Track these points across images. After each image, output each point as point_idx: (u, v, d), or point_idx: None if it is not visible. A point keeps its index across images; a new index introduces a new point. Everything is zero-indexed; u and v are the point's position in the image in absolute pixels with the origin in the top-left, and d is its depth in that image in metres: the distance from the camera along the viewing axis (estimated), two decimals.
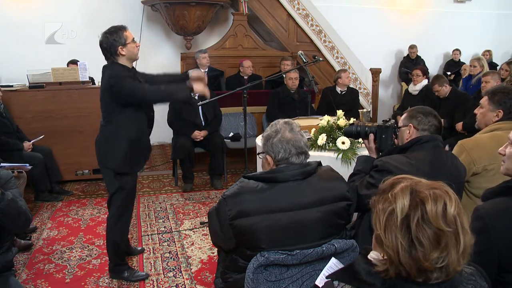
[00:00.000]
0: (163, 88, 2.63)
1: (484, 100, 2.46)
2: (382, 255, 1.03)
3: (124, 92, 2.52)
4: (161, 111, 5.01)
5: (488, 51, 7.67)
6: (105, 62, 2.67)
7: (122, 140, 2.63)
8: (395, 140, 2.22)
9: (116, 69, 2.58)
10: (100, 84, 2.78)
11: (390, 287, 1.01)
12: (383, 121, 2.30)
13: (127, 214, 2.84)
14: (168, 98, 2.76)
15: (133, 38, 2.62)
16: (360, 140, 2.45)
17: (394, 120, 2.30)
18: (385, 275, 1.02)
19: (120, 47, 2.55)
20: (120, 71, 2.56)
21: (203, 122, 4.68)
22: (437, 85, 4.73)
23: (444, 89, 4.72)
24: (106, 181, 2.81)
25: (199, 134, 4.55)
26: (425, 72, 5.45)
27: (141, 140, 2.73)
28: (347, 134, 2.43)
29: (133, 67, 2.72)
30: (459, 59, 7.71)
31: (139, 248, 3.25)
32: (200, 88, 2.68)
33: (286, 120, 1.79)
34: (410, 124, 2.07)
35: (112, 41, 2.54)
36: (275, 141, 1.72)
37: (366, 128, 2.31)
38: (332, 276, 1.12)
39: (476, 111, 2.52)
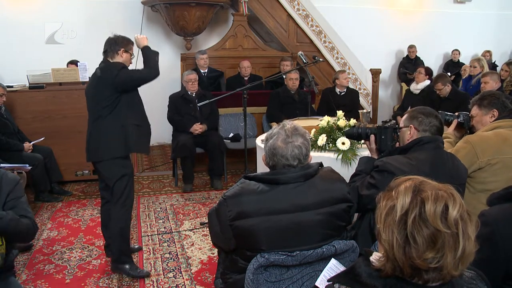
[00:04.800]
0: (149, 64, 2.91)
1: (474, 109, 2.50)
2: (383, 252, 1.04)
3: (132, 77, 2.81)
4: (161, 111, 5.05)
5: (488, 51, 7.67)
6: None
7: (126, 125, 2.78)
8: (397, 141, 2.23)
9: (112, 63, 2.80)
10: (91, 82, 2.93)
11: None
12: (382, 122, 2.30)
13: (130, 200, 2.89)
14: (155, 65, 2.94)
15: (132, 55, 2.93)
16: (361, 141, 2.46)
17: (394, 121, 2.31)
18: (383, 272, 1.03)
19: (123, 49, 2.82)
20: (117, 64, 2.79)
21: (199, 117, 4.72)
22: (440, 83, 4.73)
23: (446, 89, 4.72)
24: (106, 172, 2.84)
25: (198, 127, 4.58)
26: (430, 73, 5.44)
27: (144, 122, 2.92)
28: (349, 136, 2.46)
29: None
30: (459, 60, 7.72)
31: (136, 246, 3.26)
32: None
33: (289, 126, 1.73)
34: (411, 125, 2.07)
35: (121, 42, 2.82)
36: (267, 146, 1.71)
37: (367, 130, 2.32)
38: (333, 279, 1.12)
39: (472, 123, 2.55)
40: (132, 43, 2.90)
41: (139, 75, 2.86)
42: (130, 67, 2.92)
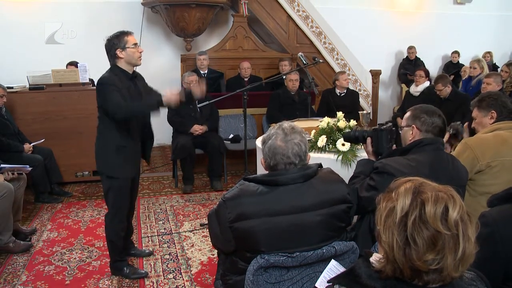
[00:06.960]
0: (136, 106, 2.68)
1: (474, 112, 2.52)
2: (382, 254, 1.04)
3: (107, 105, 2.57)
4: (160, 111, 5.04)
5: (489, 52, 7.67)
6: (105, 62, 2.71)
7: (107, 145, 2.71)
8: (394, 144, 2.23)
9: (107, 75, 2.63)
10: None
11: None
12: (379, 124, 2.32)
13: (121, 212, 2.84)
14: (140, 112, 2.78)
15: (136, 43, 2.66)
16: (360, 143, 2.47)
17: (391, 123, 2.32)
18: (383, 274, 1.03)
19: (118, 50, 2.61)
20: (109, 79, 2.59)
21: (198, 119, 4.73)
22: (440, 84, 4.73)
23: (447, 90, 4.73)
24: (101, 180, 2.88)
25: (198, 127, 4.58)
26: (428, 74, 5.45)
27: (126, 148, 2.73)
28: (347, 139, 2.49)
29: (134, 71, 2.76)
30: (458, 61, 7.73)
31: (147, 251, 3.22)
32: (168, 98, 2.71)
33: (286, 125, 1.75)
34: (413, 125, 2.04)
35: (112, 44, 2.62)
36: (266, 147, 1.72)
37: (364, 133, 2.35)
38: (333, 280, 1.12)
39: (473, 125, 2.55)
40: (127, 33, 2.64)
41: (113, 103, 2.53)
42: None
